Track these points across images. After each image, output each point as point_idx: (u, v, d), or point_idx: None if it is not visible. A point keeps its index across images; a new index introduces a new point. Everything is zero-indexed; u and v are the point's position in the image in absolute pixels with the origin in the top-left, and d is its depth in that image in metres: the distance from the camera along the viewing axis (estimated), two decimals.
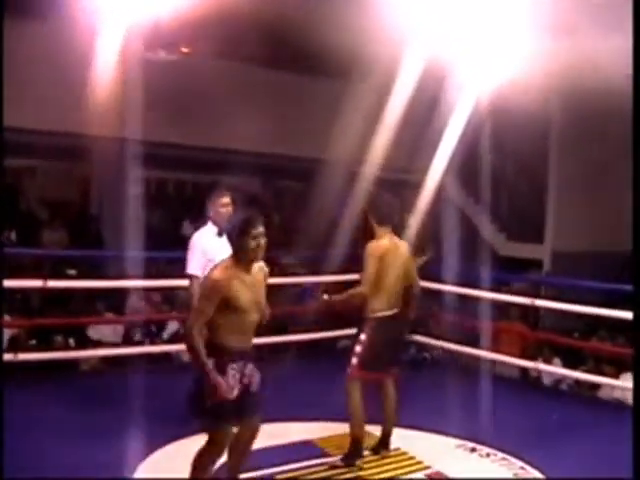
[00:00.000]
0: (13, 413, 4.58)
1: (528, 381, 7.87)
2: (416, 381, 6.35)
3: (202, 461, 3.82)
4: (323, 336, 7.63)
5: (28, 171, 10.54)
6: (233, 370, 3.70)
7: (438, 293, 7.71)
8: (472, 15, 6.47)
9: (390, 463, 4.92)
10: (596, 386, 7.32)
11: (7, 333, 6.75)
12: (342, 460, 4.85)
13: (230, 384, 3.67)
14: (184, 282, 5.24)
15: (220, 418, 3.71)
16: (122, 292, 7.93)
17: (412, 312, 5.22)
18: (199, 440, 3.92)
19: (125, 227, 7.46)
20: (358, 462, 4.86)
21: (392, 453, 5.05)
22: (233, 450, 3.89)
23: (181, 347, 6.37)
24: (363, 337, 4.94)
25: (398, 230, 5.21)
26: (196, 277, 4.93)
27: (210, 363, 3.61)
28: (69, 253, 8.82)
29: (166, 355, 7.40)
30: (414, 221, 7.44)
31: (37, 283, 6.44)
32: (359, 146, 8.72)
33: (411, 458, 5.02)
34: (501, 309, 8.41)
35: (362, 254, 4.94)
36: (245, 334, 3.77)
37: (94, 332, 7.52)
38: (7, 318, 6.78)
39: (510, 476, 4.81)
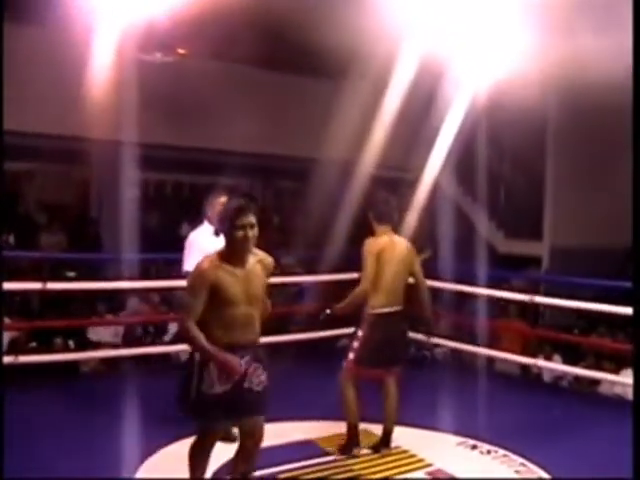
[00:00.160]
0: (13, 415, 4.57)
1: (528, 378, 7.86)
2: (416, 379, 6.34)
3: (194, 453, 3.77)
4: (323, 336, 7.62)
5: (26, 174, 10.54)
6: None
7: (437, 291, 7.70)
8: (468, 11, 6.46)
9: (391, 461, 4.91)
10: (596, 382, 7.33)
11: (7, 336, 6.74)
12: (340, 452, 4.90)
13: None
14: (183, 282, 5.22)
15: (208, 414, 3.62)
16: (122, 294, 7.93)
17: (427, 311, 5.23)
18: None
19: (123, 229, 7.46)
20: (355, 450, 4.90)
21: (393, 451, 5.04)
22: (238, 458, 3.78)
23: (181, 347, 6.37)
24: (360, 333, 4.96)
25: (398, 228, 5.22)
26: None
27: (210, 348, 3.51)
28: (68, 256, 8.82)
29: (166, 356, 7.39)
30: (411, 219, 7.42)
31: (37, 285, 6.44)
32: (356, 145, 8.72)
33: (412, 456, 5.00)
34: (501, 307, 8.42)
35: (360, 252, 4.94)
36: (237, 329, 3.58)
37: (94, 334, 7.53)
38: (7, 321, 6.77)
39: (511, 473, 4.81)
